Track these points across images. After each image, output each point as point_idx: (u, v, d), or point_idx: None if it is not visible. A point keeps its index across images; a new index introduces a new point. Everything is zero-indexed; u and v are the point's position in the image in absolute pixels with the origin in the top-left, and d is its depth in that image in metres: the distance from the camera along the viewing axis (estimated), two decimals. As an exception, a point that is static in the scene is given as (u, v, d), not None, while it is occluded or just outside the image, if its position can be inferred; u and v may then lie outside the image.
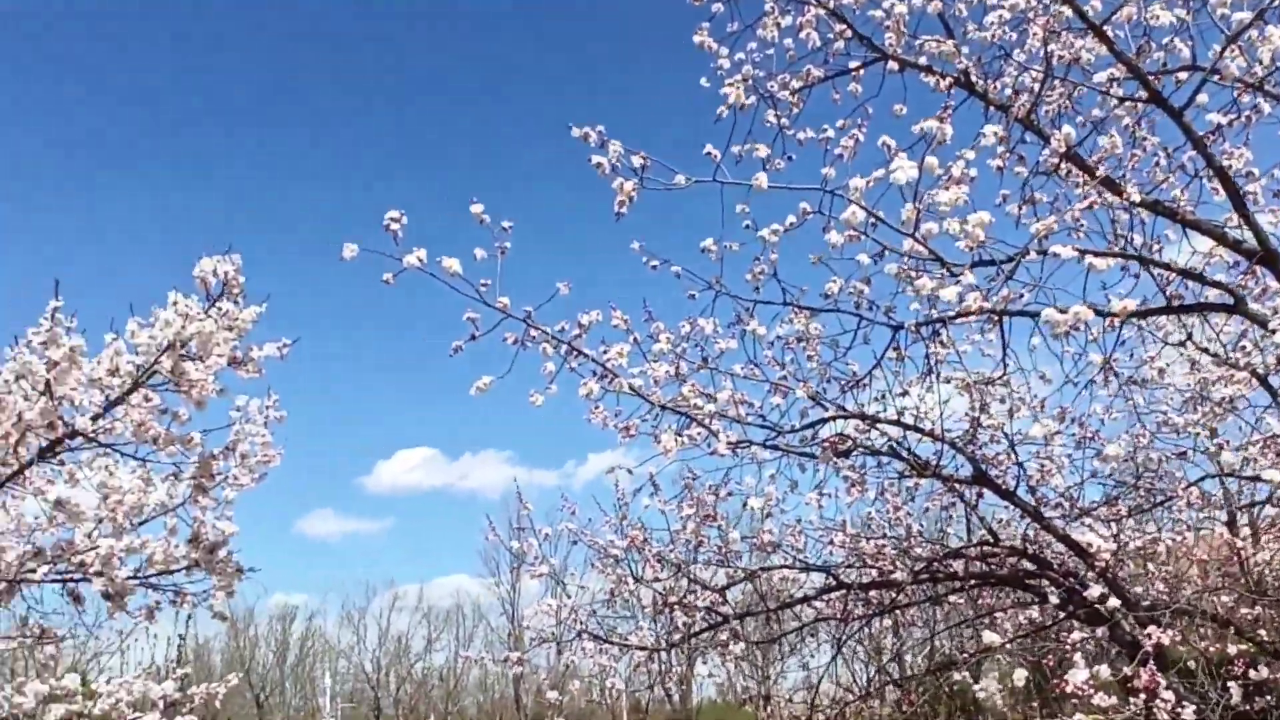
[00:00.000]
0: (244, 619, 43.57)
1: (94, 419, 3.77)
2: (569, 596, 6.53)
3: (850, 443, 6.02)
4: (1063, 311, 3.56)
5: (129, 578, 4.10)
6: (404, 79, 69.79)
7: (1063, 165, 5.15)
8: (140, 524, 4.22)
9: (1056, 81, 5.26)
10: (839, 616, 7.05)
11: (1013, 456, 6.33)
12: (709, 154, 4.68)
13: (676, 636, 6.43)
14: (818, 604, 7.03)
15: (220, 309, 3.91)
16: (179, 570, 4.31)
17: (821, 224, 4.69)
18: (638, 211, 4.63)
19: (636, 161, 4.58)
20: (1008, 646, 7.01)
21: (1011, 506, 6.32)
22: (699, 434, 5.28)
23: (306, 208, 67.13)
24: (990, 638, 4.91)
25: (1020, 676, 4.92)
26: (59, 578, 4.10)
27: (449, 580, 72.26)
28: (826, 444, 5.84)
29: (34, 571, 4.10)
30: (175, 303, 3.79)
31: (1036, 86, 5.07)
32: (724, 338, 5.57)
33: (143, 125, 65.19)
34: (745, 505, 6.15)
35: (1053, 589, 5.55)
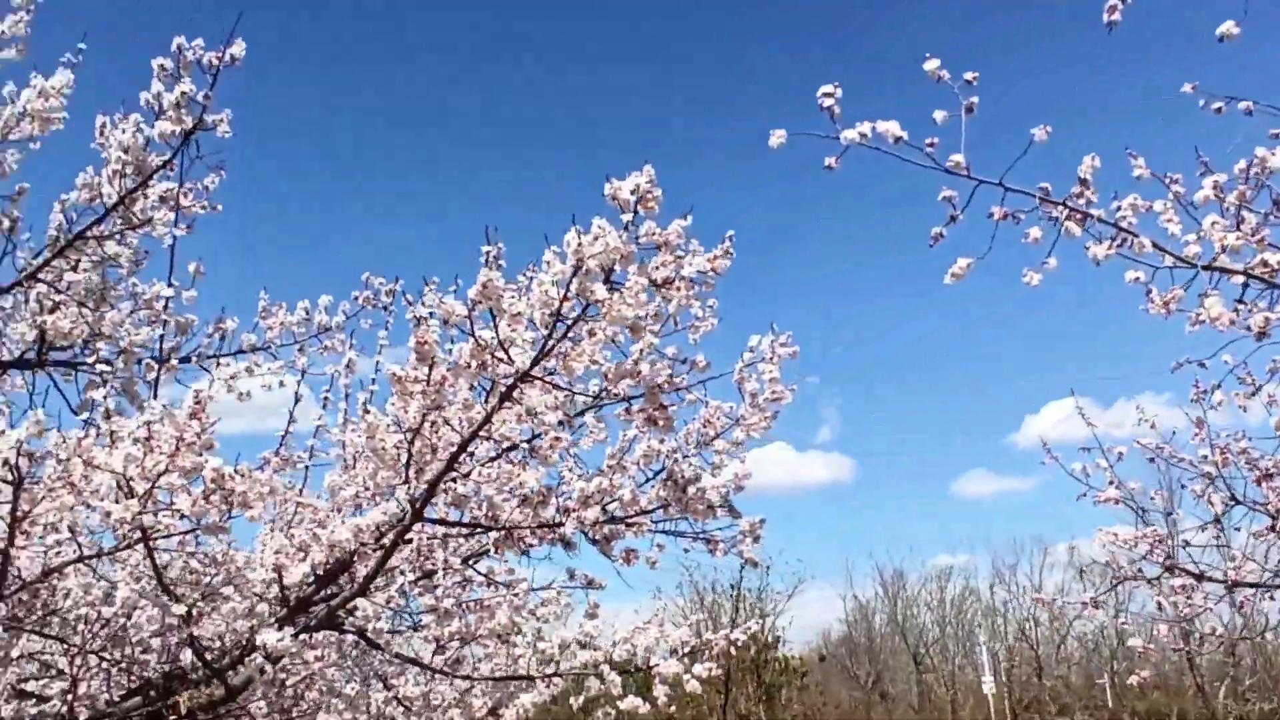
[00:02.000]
0: (893, 580, 44.70)
1: (534, 361, 3.67)
2: None
3: None
4: None
5: (601, 520, 3.98)
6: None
7: None
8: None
9: None
10: None
11: None
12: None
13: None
14: None
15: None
16: (654, 509, 4.12)
17: None
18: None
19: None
20: None
21: None
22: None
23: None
24: None
25: None
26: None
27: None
28: None
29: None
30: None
31: None
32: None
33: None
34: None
35: None
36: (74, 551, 3.66)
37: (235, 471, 3.42)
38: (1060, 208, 3.67)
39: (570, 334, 3.75)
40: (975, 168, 3.59)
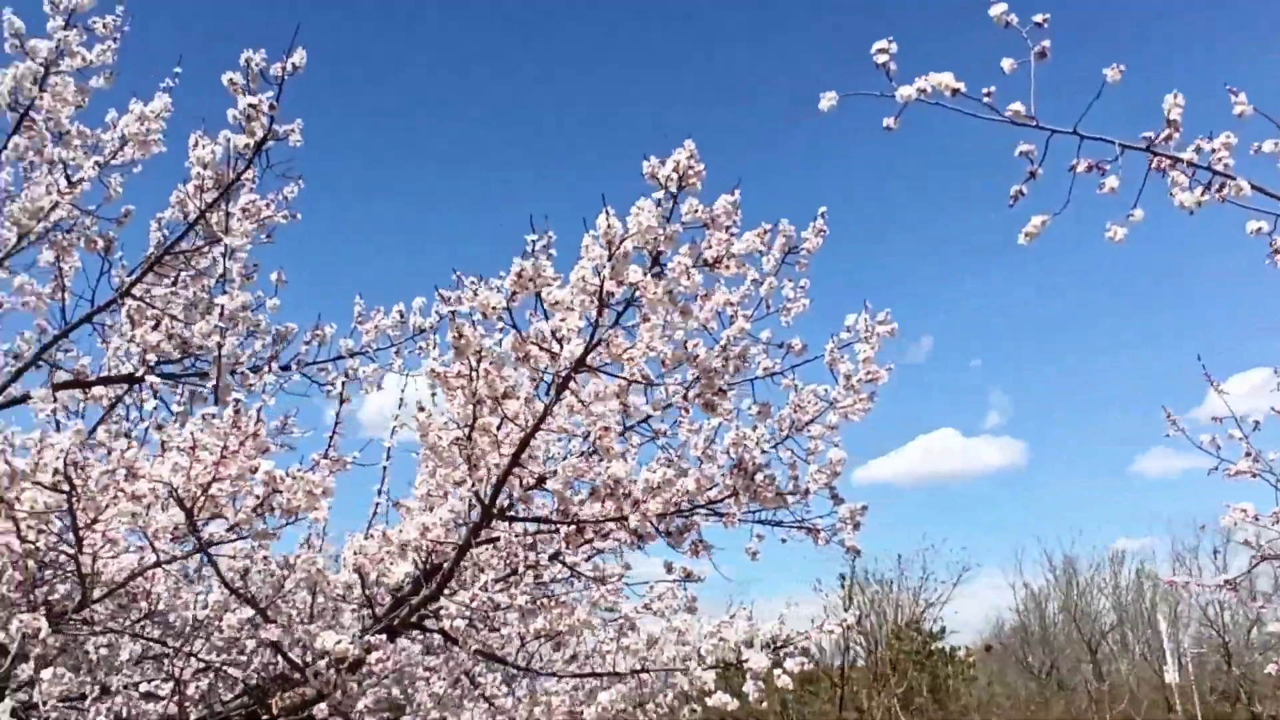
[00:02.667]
0: (1064, 566, 42.68)
1: (586, 351, 3.57)
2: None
3: None
4: None
5: (671, 512, 3.84)
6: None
7: None
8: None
9: None
10: None
11: None
12: None
13: None
14: None
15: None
16: (723, 499, 3.95)
17: None
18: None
19: None
20: None
21: None
22: None
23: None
24: None
25: None
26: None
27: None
28: None
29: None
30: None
31: None
32: None
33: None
34: None
35: None
36: (155, 558, 3.76)
37: (287, 474, 3.44)
38: (1158, 156, 3.31)
39: (621, 321, 3.64)
40: (1042, 118, 3.28)
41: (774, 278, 5.13)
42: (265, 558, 3.82)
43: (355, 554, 4.23)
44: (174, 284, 5.02)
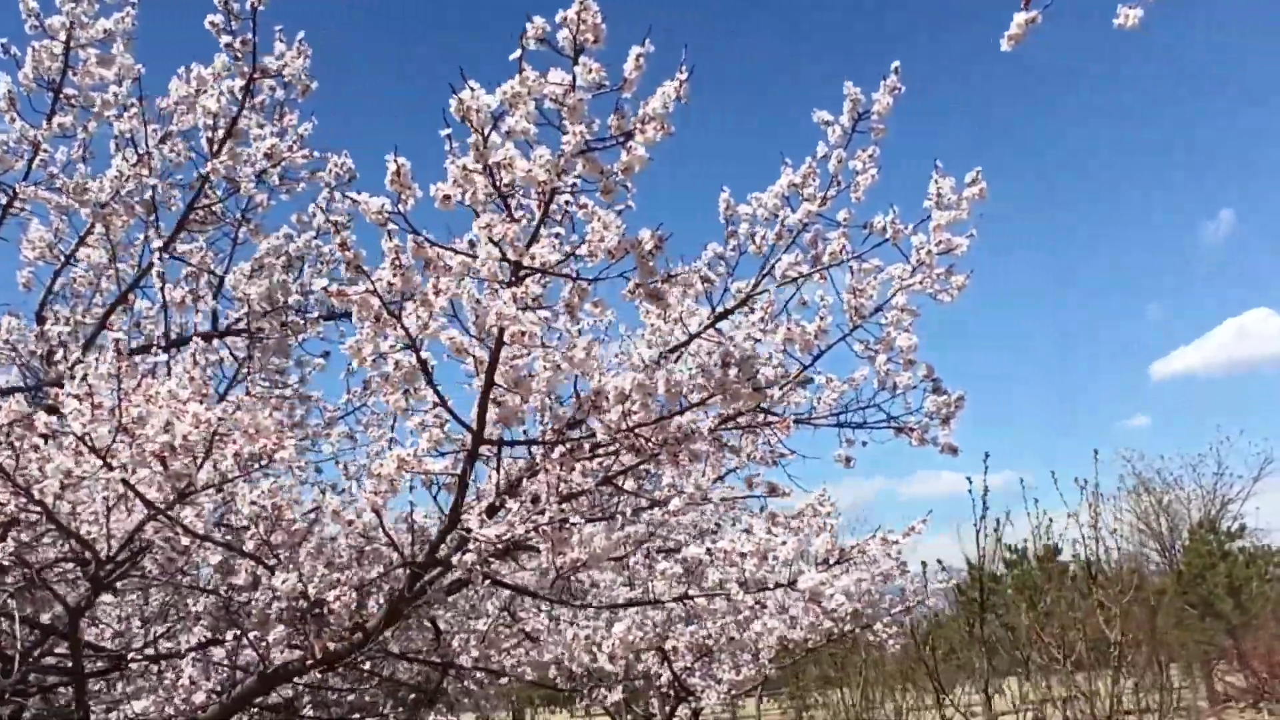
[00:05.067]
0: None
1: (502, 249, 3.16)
2: None
3: None
4: None
5: (633, 426, 3.39)
6: None
7: None
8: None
9: None
10: None
11: None
12: None
13: None
14: None
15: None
16: (702, 401, 3.43)
17: None
18: None
19: None
20: None
21: None
22: None
23: None
24: None
25: None
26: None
27: None
28: None
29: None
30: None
31: None
32: None
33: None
34: None
35: None
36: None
37: (220, 417, 3.29)
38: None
39: (547, 214, 3.18)
40: None
41: (843, 150, 4.51)
42: (254, 503, 3.69)
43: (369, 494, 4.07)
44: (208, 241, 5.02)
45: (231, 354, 5.37)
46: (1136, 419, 68.84)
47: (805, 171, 4.59)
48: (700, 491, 4.75)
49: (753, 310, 4.61)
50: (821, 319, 4.57)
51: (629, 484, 4.72)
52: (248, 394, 5.09)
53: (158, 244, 4.90)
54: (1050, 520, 9.24)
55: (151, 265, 4.88)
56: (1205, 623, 26.27)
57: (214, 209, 4.88)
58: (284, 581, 3.33)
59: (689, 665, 9.29)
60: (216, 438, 3.37)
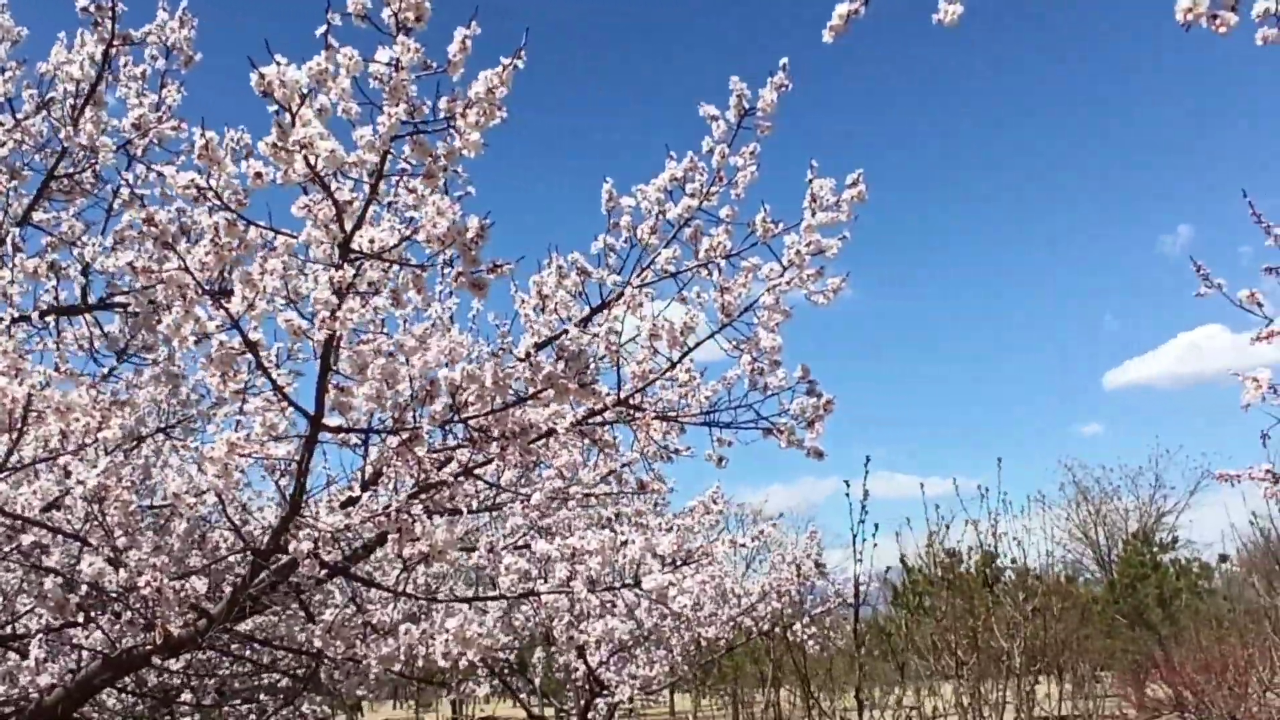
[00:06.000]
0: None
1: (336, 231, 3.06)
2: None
3: None
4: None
5: (456, 419, 3.30)
6: None
7: None
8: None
9: None
10: None
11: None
12: None
13: None
14: None
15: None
16: (531, 395, 3.35)
17: None
18: None
19: None
20: None
21: None
22: None
23: None
24: None
25: None
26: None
27: None
28: None
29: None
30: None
31: None
32: None
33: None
34: None
35: None
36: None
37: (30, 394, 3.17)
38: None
39: (375, 196, 3.09)
40: None
41: (727, 146, 4.45)
42: (81, 482, 3.56)
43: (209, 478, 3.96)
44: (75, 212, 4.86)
45: (114, 330, 5.23)
46: (1090, 426, 69.77)
47: (687, 166, 4.52)
48: (565, 486, 4.70)
49: (627, 305, 4.54)
50: (690, 315, 4.52)
51: (508, 477, 4.67)
52: (137, 372, 4.96)
53: (15, 211, 4.74)
54: (947, 528, 9.46)
55: (7, 234, 4.73)
56: (1135, 632, 26.61)
57: (77, 179, 4.73)
58: (90, 565, 3.21)
59: (604, 660, 9.25)
60: (30, 415, 3.24)
